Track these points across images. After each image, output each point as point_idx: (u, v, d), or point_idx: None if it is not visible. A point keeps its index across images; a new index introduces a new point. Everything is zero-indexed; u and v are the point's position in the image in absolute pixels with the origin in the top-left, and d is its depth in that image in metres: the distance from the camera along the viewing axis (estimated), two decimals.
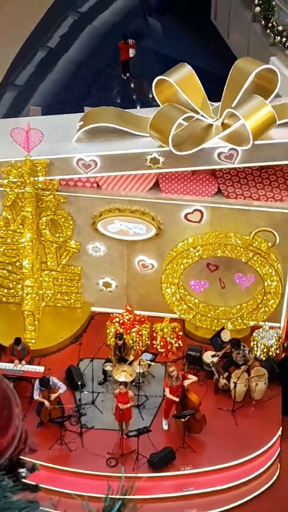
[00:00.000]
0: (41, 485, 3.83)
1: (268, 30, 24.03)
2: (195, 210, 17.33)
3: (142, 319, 18.21)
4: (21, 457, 3.67)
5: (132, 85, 26.01)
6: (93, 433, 16.66)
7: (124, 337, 17.33)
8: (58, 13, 28.99)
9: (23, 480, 3.61)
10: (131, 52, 26.29)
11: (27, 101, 25.17)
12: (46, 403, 16.20)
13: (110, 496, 3.33)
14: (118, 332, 17.53)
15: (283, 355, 17.85)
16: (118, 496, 3.33)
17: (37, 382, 16.30)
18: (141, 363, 17.01)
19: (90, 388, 17.18)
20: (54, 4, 29.15)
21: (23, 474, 3.63)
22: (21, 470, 3.63)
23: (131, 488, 3.25)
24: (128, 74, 26.78)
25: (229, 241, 17.26)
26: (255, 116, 15.76)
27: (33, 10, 28.45)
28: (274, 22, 23.83)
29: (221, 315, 18.30)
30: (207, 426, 16.49)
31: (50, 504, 3.37)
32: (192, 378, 16.33)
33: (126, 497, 3.30)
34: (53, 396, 16.20)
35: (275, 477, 16.59)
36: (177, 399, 16.18)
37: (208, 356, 17.43)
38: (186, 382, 16.14)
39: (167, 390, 16.34)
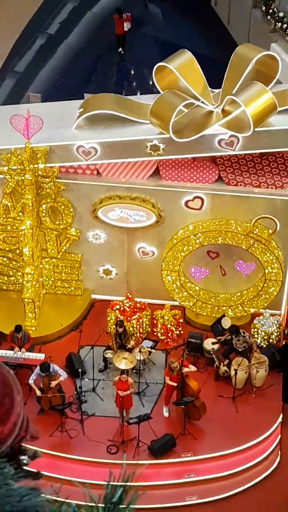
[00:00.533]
0: (42, 472, 3.81)
1: (268, 16, 23.94)
2: (196, 197, 17.30)
3: (143, 306, 18.20)
4: (22, 444, 3.66)
5: (132, 72, 25.93)
6: (93, 420, 16.68)
7: (124, 324, 17.33)
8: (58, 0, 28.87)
9: (24, 467, 3.60)
10: (126, 26, 26.33)
11: (26, 87, 25.09)
12: (38, 392, 16.17)
13: (111, 483, 3.32)
14: (118, 319, 17.53)
15: (283, 342, 17.85)
16: (119, 483, 3.32)
17: (37, 367, 16.30)
18: (142, 350, 17.01)
19: (91, 376, 17.18)
20: None
21: (25, 462, 3.62)
22: (23, 457, 3.62)
23: (133, 474, 3.24)
24: (120, 49, 26.92)
25: (229, 228, 17.23)
26: (256, 102, 15.72)
27: None
28: (274, 8, 23.73)
29: (222, 302, 18.29)
30: (208, 413, 16.51)
31: (52, 491, 3.37)
32: (191, 368, 16.33)
33: (128, 484, 3.29)
34: (53, 383, 16.21)
35: (275, 464, 16.61)
36: (175, 384, 16.19)
37: (209, 343, 17.44)
38: (185, 370, 16.15)
39: (167, 377, 16.36)
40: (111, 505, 3.18)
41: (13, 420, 3.51)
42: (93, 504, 3.26)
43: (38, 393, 16.21)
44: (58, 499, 3.40)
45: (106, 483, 3.26)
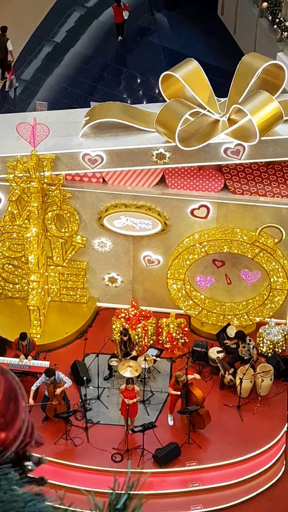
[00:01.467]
0: (46, 478, 3.81)
1: (275, 26, 23.96)
2: (201, 205, 17.31)
3: (148, 315, 18.19)
4: (27, 450, 3.66)
5: (138, 80, 25.98)
6: (98, 428, 16.67)
7: (129, 332, 17.32)
8: (65, 8, 28.94)
9: (29, 473, 3.60)
10: (125, 15, 26.64)
11: (33, 96, 25.15)
12: (31, 401, 16.11)
13: (116, 490, 3.32)
14: (123, 328, 17.52)
15: None
16: (123, 492, 3.32)
17: (43, 374, 16.29)
18: (147, 358, 17.00)
19: (96, 383, 17.17)
20: None
21: (29, 467, 3.62)
22: (27, 463, 3.62)
23: (137, 481, 3.24)
24: (121, 38, 27.34)
25: (235, 237, 17.23)
26: (262, 111, 15.73)
27: (40, 4, 28.41)
28: (281, 18, 23.75)
29: (227, 311, 18.27)
30: (213, 422, 16.48)
31: (56, 497, 3.36)
32: (195, 375, 16.32)
33: (132, 492, 3.29)
34: (58, 390, 16.20)
35: (281, 473, 16.58)
36: (178, 393, 16.17)
37: (214, 352, 17.42)
38: (190, 377, 16.13)
39: (170, 388, 16.36)
40: (116, 511, 3.18)
41: (18, 426, 3.51)
42: None
43: (31, 401, 16.14)
44: (62, 506, 3.39)
45: (111, 490, 3.26)
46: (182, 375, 16.19)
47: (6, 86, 25.50)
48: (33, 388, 16.22)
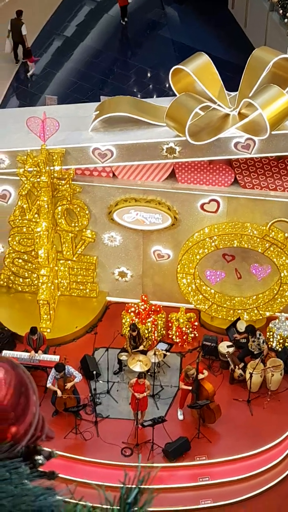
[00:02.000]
0: (57, 472, 3.81)
1: (286, 20, 23.88)
2: (212, 200, 17.28)
3: (158, 309, 18.19)
4: (38, 444, 3.66)
5: (148, 74, 25.94)
6: (108, 422, 16.69)
7: (138, 327, 17.32)
8: (74, 2, 28.92)
9: (40, 467, 3.60)
10: None
11: (43, 90, 25.15)
12: (59, 392, 16.22)
13: (126, 484, 3.31)
14: (132, 323, 17.51)
15: None
16: (134, 486, 3.31)
17: (53, 369, 16.33)
18: (157, 353, 17.00)
19: (105, 378, 17.18)
20: None
21: (40, 462, 3.62)
22: (38, 457, 3.62)
23: (148, 475, 3.23)
24: (124, 21, 27.77)
25: (245, 232, 17.20)
26: (273, 106, 15.69)
27: None
28: None
29: (237, 305, 18.25)
30: (223, 416, 16.48)
31: (67, 491, 3.36)
32: (205, 373, 16.32)
33: (143, 486, 3.28)
34: (68, 385, 16.22)
35: None
36: (189, 388, 16.18)
37: (224, 347, 17.41)
38: (201, 376, 16.14)
39: (181, 383, 16.36)
40: (126, 505, 3.17)
41: (28, 420, 3.51)
42: (108, 507, 3.25)
43: (59, 393, 16.21)
44: (73, 501, 3.39)
45: (121, 484, 3.25)
46: (191, 369, 16.20)
47: (29, 71, 25.64)
48: (49, 385, 16.24)
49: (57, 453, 3.79)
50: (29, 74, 25.69)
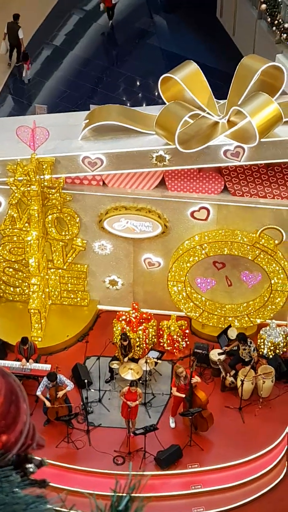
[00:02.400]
0: (48, 481, 3.81)
1: (274, 28, 23.98)
2: (202, 207, 17.31)
3: (149, 317, 18.19)
4: (29, 452, 3.66)
5: (137, 83, 26.01)
6: (100, 431, 16.66)
7: (129, 336, 17.31)
8: (63, 11, 28.99)
9: (31, 475, 3.60)
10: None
11: (32, 99, 25.19)
12: (47, 403, 16.17)
13: (117, 492, 3.32)
14: (122, 332, 17.50)
15: None
16: (125, 494, 3.32)
17: (45, 378, 16.29)
18: (148, 361, 17.00)
19: (97, 386, 17.17)
20: (59, 2, 29.16)
21: (31, 470, 3.62)
22: (29, 465, 3.62)
23: (139, 483, 3.24)
24: (111, 22, 28.14)
25: (235, 239, 17.23)
26: (261, 113, 15.75)
27: (38, 8, 28.46)
28: (280, 19, 23.77)
29: (228, 313, 18.27)
30: (214, 424, 16.48)
31: (58, 500, 3.37)
32: (197, 379, 16.32)
33: (134, 495, 3.29)
34: (60, 393, 16.20)
35: (282, 475, 16.58)
36: (183, 395, 16.18)
37: (215, 354, 17.42)
38: (194, 380, 16.13)
39: (174, 389, 16.34)
40: None
41: (19, 428, 3.52)
42: None
43: (48, 403, 16.17)
44: (64, 510, 3.39)
45: (113, 491, 3.26)
46: (180, 367, 16.22)
47: (23, 74, 25.76)
48: (38, 393, 16.21)
49: (47, 461, 3.79)
50: (24, 77, 25.78)
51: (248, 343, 17.09)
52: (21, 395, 3.56)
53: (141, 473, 15.60)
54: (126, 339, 17.16)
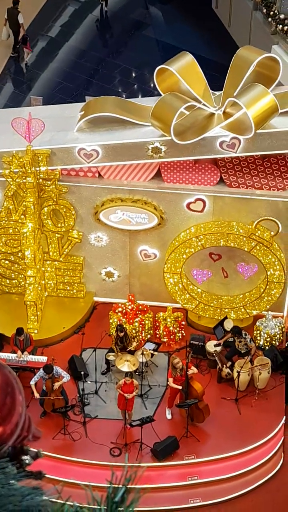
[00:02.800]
0: (44, 472, 3.81)
1: (269, 19, 23.94)
2: (198, 199, 17.30)
3: (145, 309, 18.20)
4: (24, 444, 3.66)
5: (133, 74, 25.96)
6: (96, 422, 16.68)
7: (125, 328, 17.32)
8: (58, 3, 28.91)
9: (27, 467, 3.61)
10: None
11: (28, 91, 25.14)
12: (36, 394, 16.16)
13: (113, 483, 3.32)
14: (118, 324, 17.50)
15: (286, 344, 17.84)
16: (121, 486, 3.32)
17: (41, 369, 16.30)
18: (144, 352, 17.01)
19: (93, 378, 17.17)
20: None
21: (27, 461, 3.62)
22: (25, 457, 3.62)
23: (135, 474, 3.24)
24: (106, 9, 28.27)
25: (231, 230, 17.23)
26: (257, 105, 15.72)
27: (33, 0, 28.38)
28: (275, 10, 23.73)
29: (224, 304, 18.28)
30: (211, 416, 16.50)
31: (54, 491, 3.37)
32: (193, 369, 16.33)
33: (130, 486, 3.29)
34: (56, 384, 16.20)
35: (279, 466, 16.61)
36: (180, 387, 16.20)
37: (211, 345, 17.44)
38: (190, 371, 16.15)
39: (170, 379, 16.36)
40: (113, 504, 3.18)
41: (15, 420, 3.51)
42: (96, 507, 3.26)
43: (36, 395, 16.19)
44: (60, 501, 3.39)
45: (109, 482, 3.26)
46: (176, 358, 16.24)
47: (25, 58, 25.80)
48: (32, 383, 16.22)
49: (43, 453, 3.79)
50: (25, 60, 25.80)
51: (243, 335, 17.10)
52: (16, 386, 3.55)
53: (137, 464, 15.61)
54: (123, 330, 17.16)
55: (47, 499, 3.27)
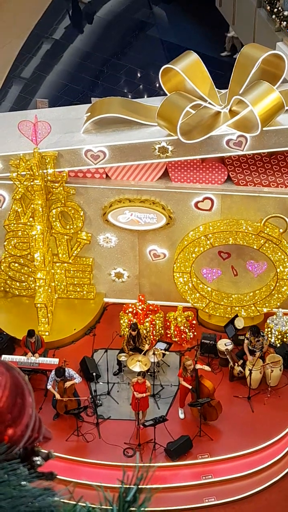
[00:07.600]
0: (58, 477, 3.82)
1: (273, 16, 23.88)
2: (206, 198, 17.29)
3: (155, 309, 18.19)
4: (35, 445, 3.67)
5: (138, 74, 25.96)
6: (109, 423, 16.69)
7: (138, 327, 17.33)
8: (62, 5, 28.95)
9: (38, 468, 3.61)
10: None
11: (33, 93, 25.17)
12: (57, 395, 16.22)
13: (125, 482, 3.32)
14: (132, 322, 17.52)
15: None
16: (133, 486, 3.32)
17: (52, 372, 16.33)
18: (156, 352, 17.01)
19: (105, 379, 17.18)
20: None
21: (38, 463, 3.63)
22: (36, 458, 3.63)
23: (146, 473, 3.24)
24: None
25: (240, 228, 17.22)
26: (263, 102, 15.71)
27: (37, 2, 28.41)
28: (279, 7, 23.67)
29: (234, 302, 18.27)
30: (223, 414, 16.49)
31: (66, 492, 3.37)
32: (204, 367, 16.31)
33: (142, 486, 3.29)
34: (68, 383, 16.18)
35: None
36: (190, 386, 16.19)
37: (223, 344, 17.42)
38: (198, 366, 16.13)
39: (181, 378, 16.35)
40: (125, 504, 3.18)
41: (25, 421, 3.52)
42: (108, 507, 3.26)
43: (58, 396, 16.22)
44: (71, 502, 3.40)
45: (120, 481, 3.26)
46: (188, 359, 16.22)
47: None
48: (49, 387, 16.27)
49: (55, 454, 3.80)
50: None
51: (262, 333, 17.05)
52: (26, 388, 3.56)
53: (148, 464, 15.61)
54: (136, 329, 17.16)
55: (59, 500, 3.28)
